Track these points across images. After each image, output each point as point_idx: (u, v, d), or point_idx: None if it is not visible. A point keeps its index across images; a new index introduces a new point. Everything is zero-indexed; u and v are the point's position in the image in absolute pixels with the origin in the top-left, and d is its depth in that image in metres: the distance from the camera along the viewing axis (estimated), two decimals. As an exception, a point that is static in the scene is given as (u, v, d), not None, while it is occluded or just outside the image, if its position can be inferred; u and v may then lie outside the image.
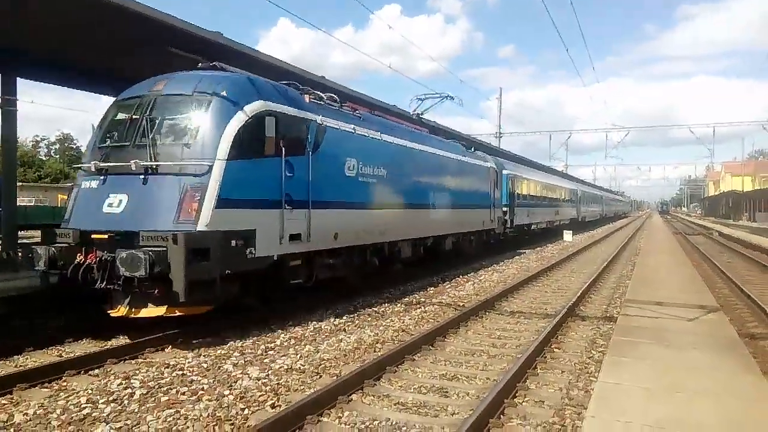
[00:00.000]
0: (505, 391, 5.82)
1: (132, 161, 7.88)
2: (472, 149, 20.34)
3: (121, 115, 8.71)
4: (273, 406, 5.60)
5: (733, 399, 5.04)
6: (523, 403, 5.82)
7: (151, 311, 7.53)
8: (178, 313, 7.62)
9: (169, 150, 8.02)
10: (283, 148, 8.83)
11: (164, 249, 7.15)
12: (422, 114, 17.76)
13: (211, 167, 7.84)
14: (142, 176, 7.92)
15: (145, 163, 7.88)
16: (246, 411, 5.46)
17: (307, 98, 10.17)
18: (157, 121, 8.20)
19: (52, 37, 10.85)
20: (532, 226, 29.11)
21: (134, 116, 8.34)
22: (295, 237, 9.14)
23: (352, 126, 11.08)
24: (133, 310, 7.54)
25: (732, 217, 74.29)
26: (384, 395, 6.00)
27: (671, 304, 9.73)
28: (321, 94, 10.83)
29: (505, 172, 23.77)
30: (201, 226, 7.58)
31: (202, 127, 8.13)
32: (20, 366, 6.86)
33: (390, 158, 12.48)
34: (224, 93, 8.38)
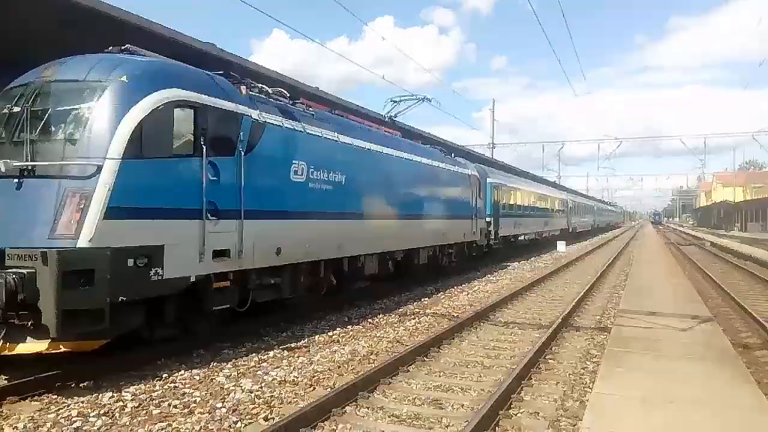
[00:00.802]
0: (499, 402, 5.79)
1: (1, 161, 6.49)
2: (453, 155, 18.96)
3: (2, 109, 7.11)
4: (266, 419, 5.55)
5: (727, 409, 5.04)
6: (518, 415, 5.79)
7: (30, 347, 6.14)
8: (63, 349, 6.26)
9: (50, 147, 6.63)
10: (205, 147, 7.38)
11: (32, 271, 5.87)
12: (396, 116, 16.39)
13: (100, 168, 6.36)
14: (16, 180, 6.52)
15: (18, 164, 6.49)
16: (239, 424, 5.41)
17: (242, 90, 8.53)
18: (40, 113, 6.74)
19: None
20: (520, 238, 27.97)
21: (15, 108, 6.87)
22: (221, 253, 7.66)
23: (302, 125, 9.57)
24: (7, 345, 6.15)
25: (724, 227, 74.74)
26: (378, 407, 5.96)
27: (664, 314, 9.75)
28: (266, 87, 9.36)
29: (489, 180, 22.53)
30: (83, 242, 6.13)
31: (92, 119, 6.62)
32: None
33: (350, 162, 10.86)
34: (123, 78, 6.83)
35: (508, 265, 22.32)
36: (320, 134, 10.10)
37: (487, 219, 21.63)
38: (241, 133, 8.13)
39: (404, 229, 13.53)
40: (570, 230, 43.71)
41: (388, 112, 16.37)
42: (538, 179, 44.31)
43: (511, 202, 26.14)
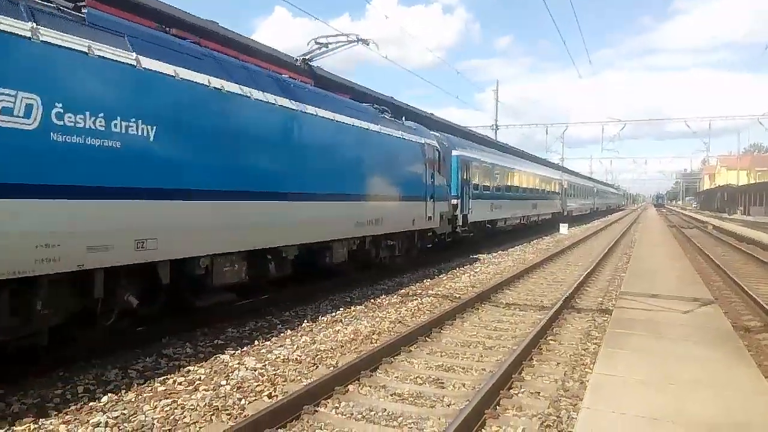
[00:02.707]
0: (500, 382, 5.85)
1: None
2: (404, 120, 15.14)
3: None
4: (270, 396, 5.62)
5: (727, 391, 5.08)
6: (519, 394, 5.85)
7: None
8: None
9: None
10: None
11: None
12: (312, 60, 12.19)
13: None
14: None
15: None
16: (243, 401, 5.48)
17: None
18: None
19: None
20: (499, 224, 23.83)
21: None
22: None
23: (121, 53, 6.28)
24: None
25: (727, 210, 74.58)
26: (380, 386, 6.03)
27: (666, 296, 9.78)
28: None
29: (455, 153, 18.75)
30: None
31: None
32: None
33: (173, 108, 6.90)
34: None
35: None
36: (141, 67, 6.47)
37: (453, 201, 17.76)
38: None
39: (303, 215, 9.36)
40: (565, 214, 39.68)
41: (305, 55, 11.99)
42: (528, 156, 40.94)
43: (487, 182, 22.17)
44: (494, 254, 19.71)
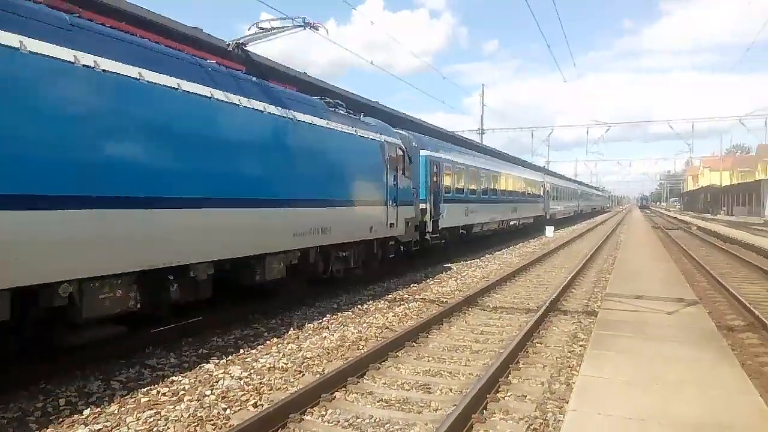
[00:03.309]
0: (487, 386, 5.84)
1: None
2: (361, 114, 13.22)
3: None
4: (255, 405, 5.57)
5: (712, 390, 5.11)
6: (506, 398, 5.85)
7: None
8: None
9: None
10: None
11: None
12: (246, 45, 9.92)
13: None
14: None
15: None
16: (228, 411, 5.42)
17: None
18: None
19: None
20: (475, 229, 22.25)
21: None
22: None
23: None
24: None
25: (710, 211, 75.45)
26: (367, 392, 5.99)
27: (651, 297, 9.85)
28: None
29: (424, 153, 17.06)
30: None
31: None
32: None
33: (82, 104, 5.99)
34: None
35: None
36: None
37: (422, 205, 16.27)
38: None
39: (214, 226, 7.66)
40: (548, 217, 38.17)
41: (239, 41, 9.85)
42: (510, 158, 39.00)
43: (461, 184, 20.50)
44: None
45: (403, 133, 16.21)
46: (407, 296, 11.79)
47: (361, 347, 7.78)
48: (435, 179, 17.58)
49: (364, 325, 9.10)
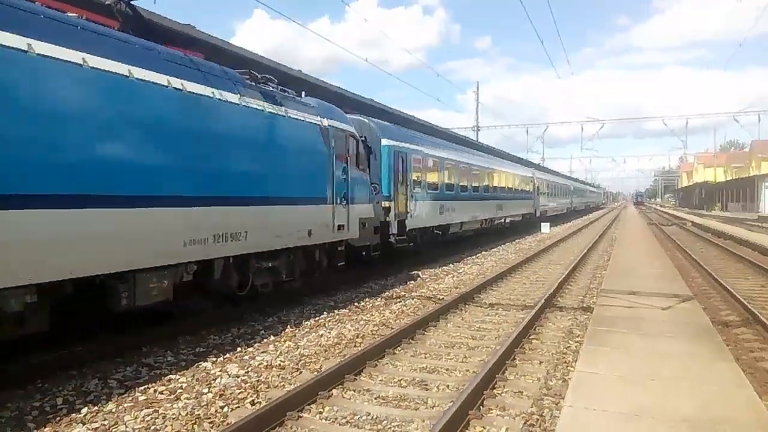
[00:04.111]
0: (484, 382, 5.87)
1: None
2: (301, 96, 11.21)
3: None
4: (253, 403, 5.58)
5: (706, 385, 5.15)
6: (502, 394, 5.88)
7: None
8: None
9: None
10: None
11: None
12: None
13: None
14: None
15: None
16: (225, 408, 5.43)
17: None
18: None
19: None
20: (453, 229, 20.07)
21: None
22: None
23: None
24: None
25: (705, 207, 75.75)
26: (365, 389, 6.01)
27: (646, 293, 9.90)
28: None
29: (386, 143, 14.71)
30: None
31: None
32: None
33: None
34: None
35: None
36: None
37: (384, 203, 14.22)
38: None
39: (35, 235, 5.48)
40: (538, 215, 36.10)
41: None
42: (495, 152, 36.84)
43: (436, 179, 18.34)
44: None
45: (362, 119, 14.39)
46: (404, 293, 11.80)
47: (358, 344, 7.80)
48: (401, 173, 15.39)
49: (362, 322, 9.12)
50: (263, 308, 9.73)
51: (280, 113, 9.31)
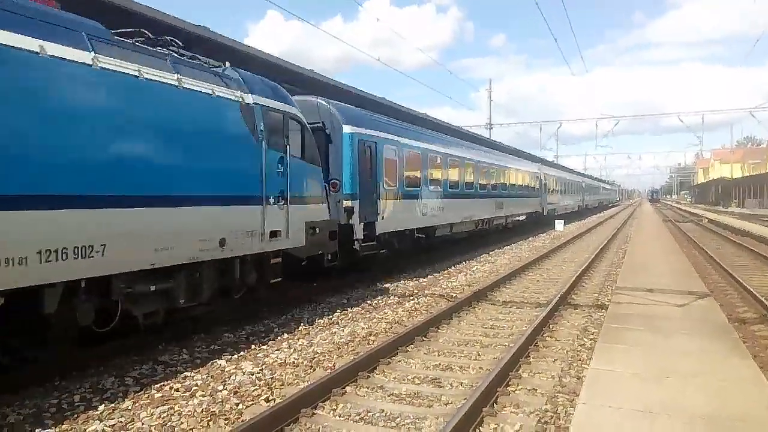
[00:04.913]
0: (497, 380, 5.86)
1: None
2: (227, 66, 8.53)
3: None
4: (267, 400, 5.61)
5: (722, 383, 5.10)
6: (516, 392, 5.86)
7: None
8: None
9: None
10: None
11: None
12: None
13: None
14: None
15: None
16: (240, 405, 5.47)
17: None
18: None
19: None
20: (440, 232, 17.40)
21: None
22: None
23: None
24: None
25: (722, 203, 74.89)
26: (378, 387, 6.03)
27: (662, 290, 9.81)
28: None
29: (348, 130, 12.17)
30: None
31: None
32: None
33: None
34: None
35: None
36: None
37: (346, 203, 11.95)
38: None
39: None
40: (545, 213, 33.61)
41: None
42: (498, 146, 34.30)
43: (416, 174, 15.64)
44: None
45: (318, 101, 12.16)
46: (417, 291, 11.79)
47: (371, 342, 7.81)
48: (371, 167, 12.99)
49: (374, 320, 9.13)
50: (277, 305, 9.78)
51: (166, 81, 6.95)
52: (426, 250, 17.08)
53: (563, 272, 14.65)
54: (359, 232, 12.22)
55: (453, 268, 15.56)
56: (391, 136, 14.34)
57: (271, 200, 8.61)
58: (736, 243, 22.31)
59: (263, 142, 8.46)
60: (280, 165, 8.86)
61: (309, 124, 10.25)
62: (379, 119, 14.59)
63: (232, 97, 8.05)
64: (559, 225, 31.93)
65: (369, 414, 5.27)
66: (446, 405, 5.53)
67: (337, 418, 5.25)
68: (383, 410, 5.35)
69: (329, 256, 10.95)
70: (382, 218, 13.26)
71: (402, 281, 13.09)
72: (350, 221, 11.95)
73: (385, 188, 13.57)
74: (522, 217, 29.18)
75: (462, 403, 5.28)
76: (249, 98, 8.38)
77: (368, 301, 10.69)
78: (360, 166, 12.47)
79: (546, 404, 5.45)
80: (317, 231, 10.07)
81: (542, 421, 5.09)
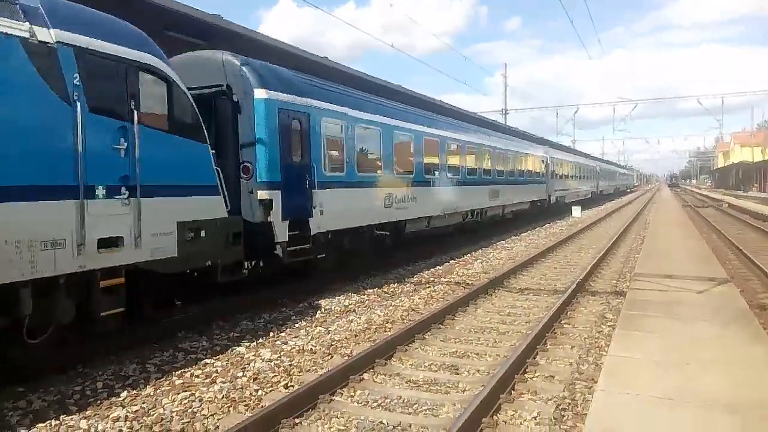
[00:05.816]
0: (515, 367, 5.86)
1: None
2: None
3: None
4: (286, 387, 5.68)
5: (742, 369, 5.06)
6: (534, 379, 5.86)
7: None
8: None
9: None
10: None
11: None
12: None
13: None
14: None
15: None
16: (260, 392, 5.54)
17: None
18: None
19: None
20: (412, 227, 14.37)
21: None
22: None
23: None
24: None
25: (742, 188, 73.72)
26: (395, 374, 6.06)
27: (681, 276, 9.72)
28: None
29: (261, 95, 9.07)
30: None
31: None
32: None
33: None
34: None
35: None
36: None
37: (262, 194, 9.05)
38: None
39: None
40: (552, 201, 30.60)
41: None
42: (501, 128, 31.15)
43: (372, 155, 12.70)
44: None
45: (222, 56, 9.23)
46: (433, 279, 11.80)
47: (388, 329, 7.84)
48: (302, 146, 10.00)
49: (391, 307, 9.16)
50: (294, 293, 9.84)
51: None
52: (393, 249, 14.03)
53: (581, 259, 14.56)
54: (282, 233, 9.25)
55: (469, 255, 15.53)
56: (334, 107, 11.06)
57: (100, 191, 5.97)
58: (756, 228, 21.98)
59: (78, 102, 5.71)
60: (121, 140, 6.21)
61: (211, 87, 8.40)
62: (318, 83, 11.26)
63: (8, 30, 5.19)
64: (576, 212, 31.66)
65: (386, 400, 5.31)
66: (463, 392, 5.55)
67: (355, 404, 5.29)
68: (401, 397, 5.39)
69: (231, 266, 8.10)
70: (320, 213, 10.26)
71: (418, 269, 13.10)
72: (268, 218, 9.08)
73: (325, 174, 10.58)
74: (525, 206, 25.85)
75: (480, 389, 5.29)
76: (46, 34, 5.53)
77: (384, 289, 10.71)
78: (283, 145, 9.43)
79: (564, 391, 5.44)
80: (203, 234, 7.35)
81: (560, 408, 5.08)
